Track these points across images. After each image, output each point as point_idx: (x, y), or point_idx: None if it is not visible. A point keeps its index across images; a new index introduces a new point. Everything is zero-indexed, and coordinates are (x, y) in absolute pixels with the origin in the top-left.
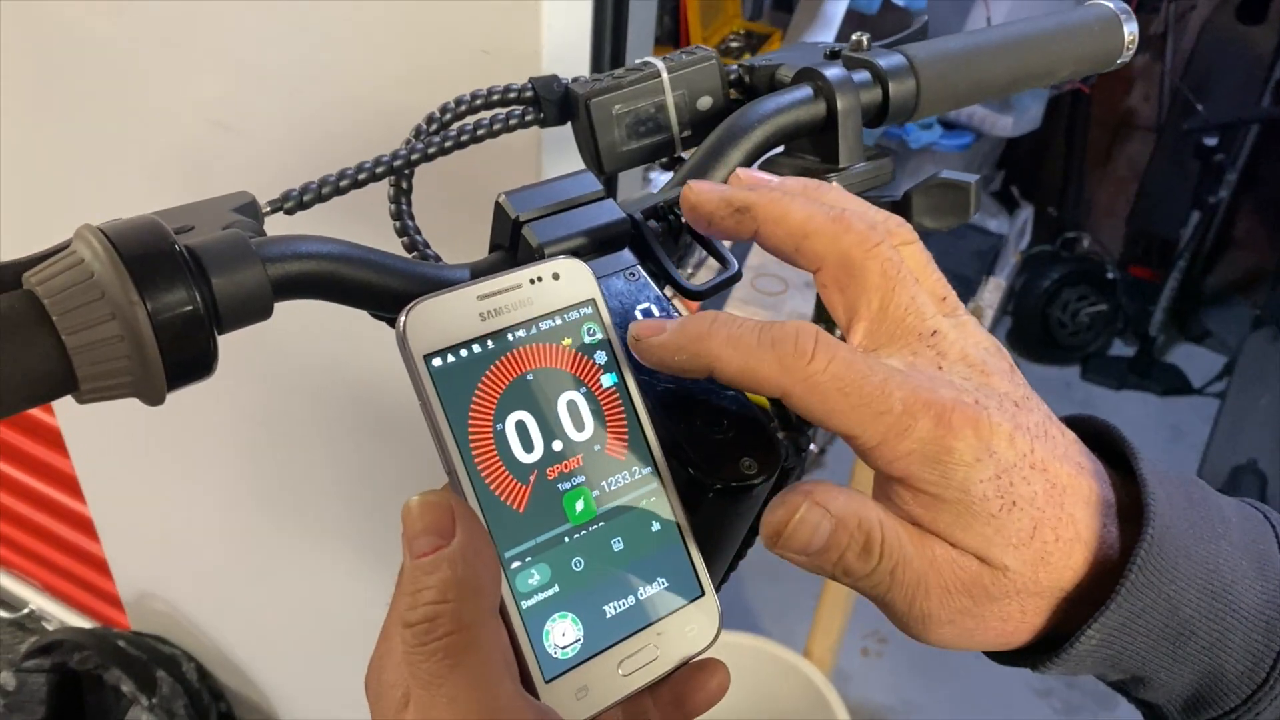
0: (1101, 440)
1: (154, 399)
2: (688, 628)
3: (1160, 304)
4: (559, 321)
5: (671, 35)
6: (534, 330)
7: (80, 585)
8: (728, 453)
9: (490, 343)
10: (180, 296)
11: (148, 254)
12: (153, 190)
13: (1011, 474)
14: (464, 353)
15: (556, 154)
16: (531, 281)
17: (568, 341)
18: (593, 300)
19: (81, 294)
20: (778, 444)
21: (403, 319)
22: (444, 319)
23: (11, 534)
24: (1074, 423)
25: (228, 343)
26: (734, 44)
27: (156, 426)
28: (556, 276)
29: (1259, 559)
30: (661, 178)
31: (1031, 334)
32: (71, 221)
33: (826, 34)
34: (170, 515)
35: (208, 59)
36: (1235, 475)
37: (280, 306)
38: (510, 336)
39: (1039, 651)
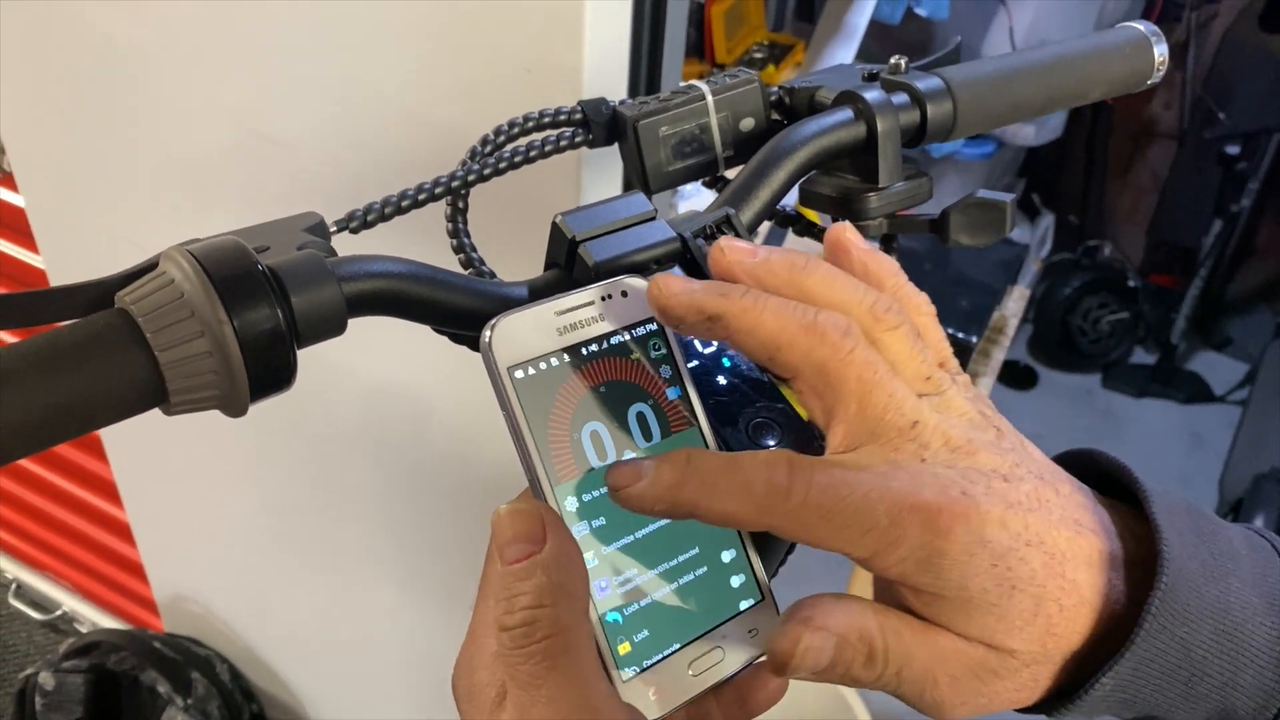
0: (1108, 475)
1: (237, 411)
2: (750, 631)
3: (1182, 311)
4: (627, 337)
5: (696, 47)
6: (605, 345)
7: (114, 588)
8: None
9: (567, 356)
10: (264, 314)
11: (233, 274)
12: (199, 203)
13: (1008, 558)
14: (543, 365)
15: (595, 170)
16: (603, 299)
17: (636, 355)
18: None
19: (173, 312)
20: (823, 452)
21: (488, 334)
22: (525, 333)
23: (48, 538)
24: (1078, 459)
25: None
26: (758, 55)
27: (194, 434)
28: (625, 294)
29: (1269, 594)
30: (685, 201)
31: (1052, 341)
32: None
33: (849, 45)
34: (206, 519)
35: (252, 72)
36: (1257, 483)
37: None
38: (584, 351)
39: (1053, 699)
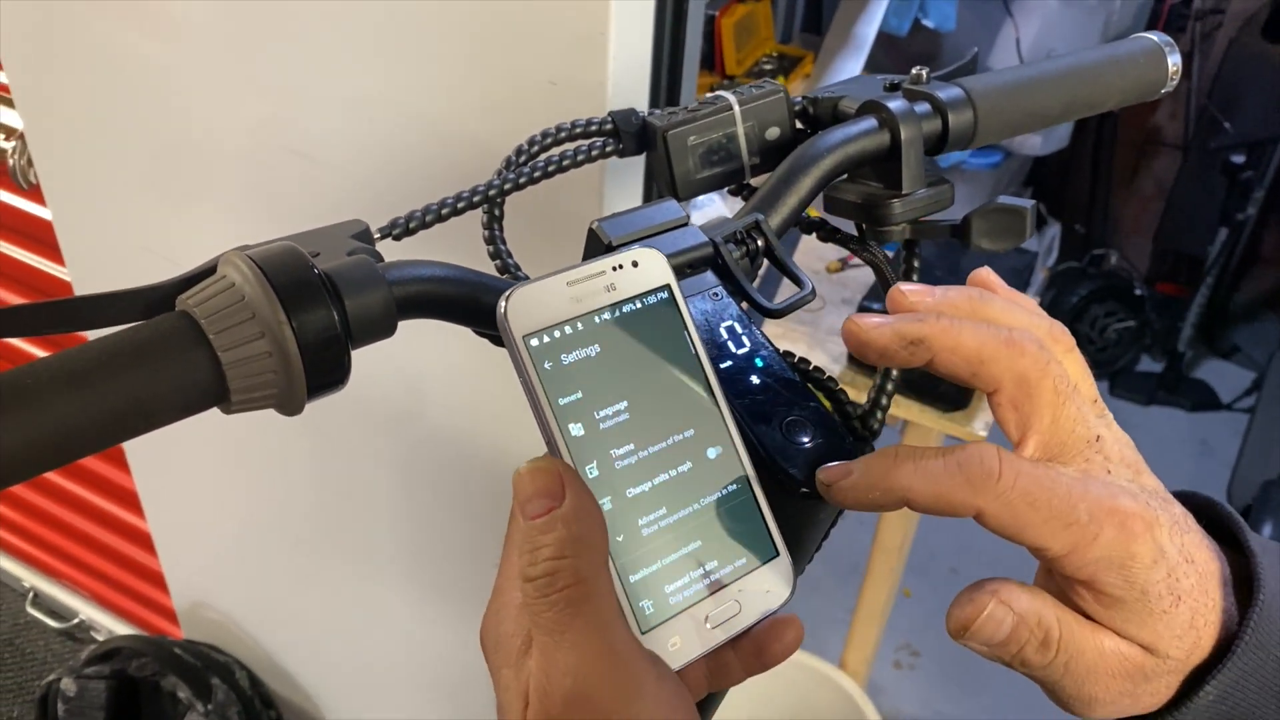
0: (1204, 513)
1: (294, 409)
2: (766, 586)
3: (1189, 320)
4: (639, 305)
5: (706, 59)
6: (618, 313)
7: (132, 596)
8: (813, 459)
9: (580, 324)
10: (322, 316)
11: (292, 278)
12: (236, 219)
13: (1176, 571)
14: (557, 333)
15: (616, 180)
16: (614, 269)
17: (647, 322)
18: (668, 286)
19: (235, 314)
20: (854, 450)
21: (503, 303)
22: (539, 302)
23: (65, 546)
24: (1181, 499)
25: None
26: (767, 66)
27: (215, 444)
28: (635, 264)
29: None
30: (698, 211)
31: None
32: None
33: (857, 56)
34: (226, 528)
35: (280, 89)
36: (1266, 490)
37: None
38: (597, 319)
39: (1162, 710)
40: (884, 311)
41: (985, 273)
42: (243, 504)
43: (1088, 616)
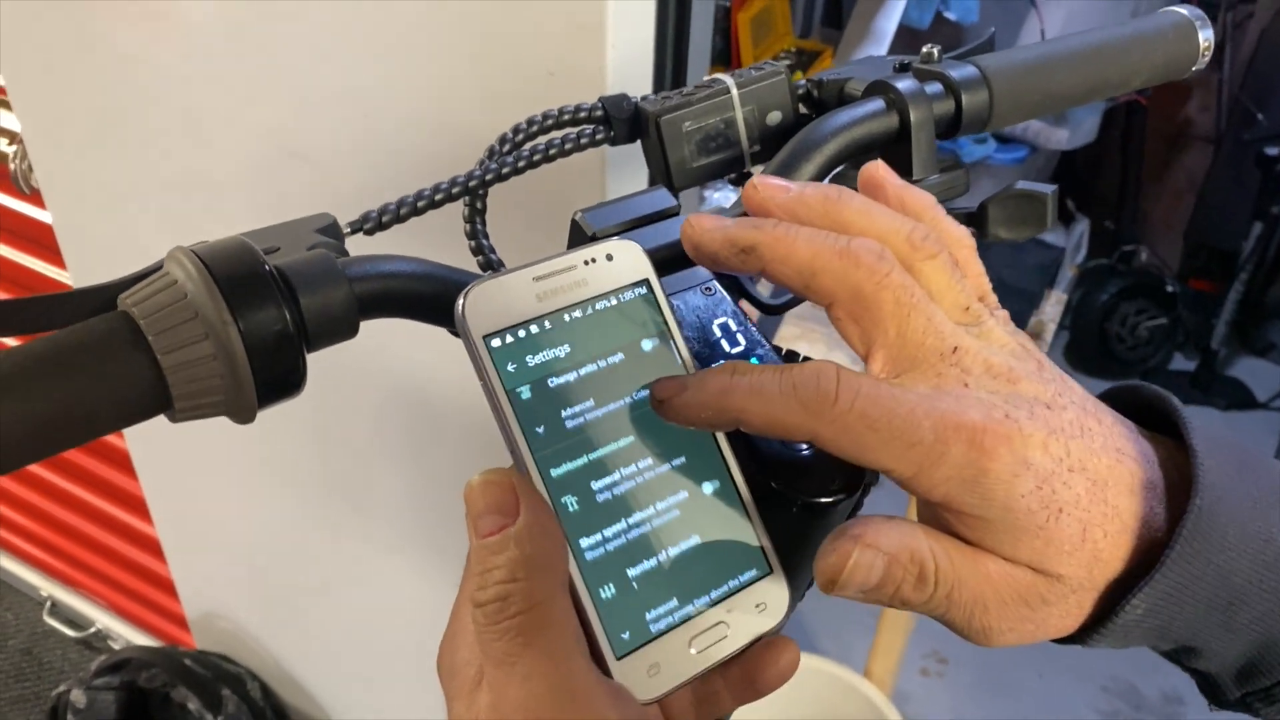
0: (1153, 409)
1: (245, 417)
2: (757, 605)
3: (1222, 317)
4: (614, 301)
5: (723, 55)
6: (590, 310)
7: (146, 605)
8: (812, 469)
9: (548, 323)
10: (271, 316)
11: (239, 274)
12: (225, 218)
13: (1052, 482)
14: (521, 333)
15: (620, 169)
16: (586, 263)
17: (623, 320)
18: (647, 280)
19: (176, 314)
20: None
21: (461, 300)
22: (501, 300)
23: (80, 554)
24: (1122, 394)
25: None
26: (785, 62)
27: (222, 448)
28: (610, 258)
29: None
30: (715, 194)
31: (1089, 349)
32: (145, 249)
33: (878, 50)
34: (235, 535)
35: (276, 89)
36: None
37: None
38: (567, 317)
39: (1089, 626)
40: None
41: (874, 167)
42: (253, 512)
43: (967, 542)
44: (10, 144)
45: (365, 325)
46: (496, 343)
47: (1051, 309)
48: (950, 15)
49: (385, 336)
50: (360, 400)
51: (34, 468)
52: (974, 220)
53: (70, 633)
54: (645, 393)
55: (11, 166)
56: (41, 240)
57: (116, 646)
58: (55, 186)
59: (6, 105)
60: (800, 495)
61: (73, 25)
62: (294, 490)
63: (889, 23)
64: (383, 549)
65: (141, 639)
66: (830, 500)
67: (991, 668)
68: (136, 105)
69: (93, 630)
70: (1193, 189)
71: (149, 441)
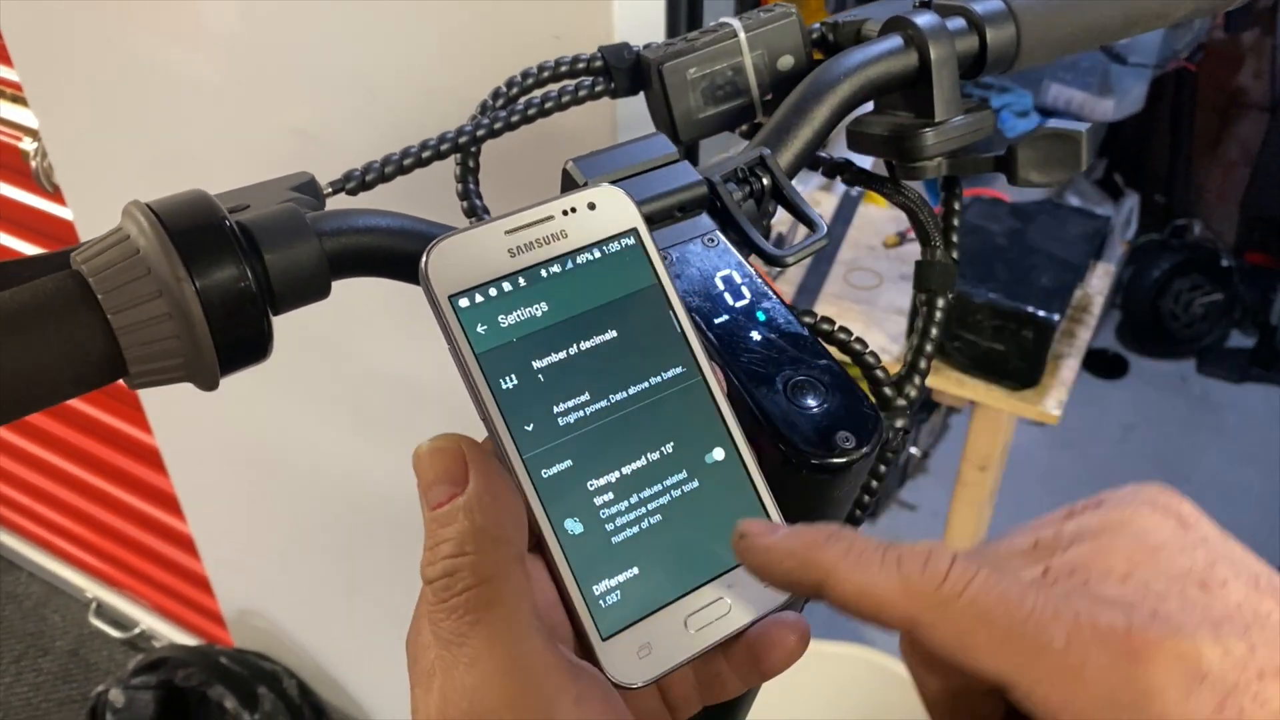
0: None
1: (207, 383)
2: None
3: None
4: (597, 254)
5: None
6: (570, 265)
7: (186, 604)
8: (822, 427)
9: (522, 279)
10: (230, 273)
11: (195, 228)
12: None
13: (1239, 696)
14: (493, 291)
15: (632, 130)
16: (565, 212)
17: (608, 274)
18: (635, 230)
19: (126, 271)
20: (875, 414)
21: (425, 258)
22: (470, 256)
23: (124, 556)
24: None
25: (323, 356)
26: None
27: (251, 443)
28: (593, 206)
29: None
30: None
31: (1143, 327)
32: None
33: None
34: (268, 532)
35: (284, 67)
36: None
37: (383, 308)
38: (544, 273)
39: None
40: None
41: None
42: (286, 507)
43: None
44: (31, 142)
45: (404, 310)
46: (464, 302)
47: (1098, 281)
48: None
49: (422, 326)
50: (395, 391)
51: (74, 467)
52: (1002, 165)
53: (115, 633)
54: (632, 350)
55: (33, 164)
56: (62, 237)
57: (159, 646)
58: (76, 184)
59: (27, 104)
60: (810, 456)
61: (92, 24)
62: (326, 485)
63: None
64: (416, 545)
65: (184, 638)
66: (843, 461)
67: None
68: (155, 102)
69: (137, 631)
70: (1247, 160)
71: (177, 436)
